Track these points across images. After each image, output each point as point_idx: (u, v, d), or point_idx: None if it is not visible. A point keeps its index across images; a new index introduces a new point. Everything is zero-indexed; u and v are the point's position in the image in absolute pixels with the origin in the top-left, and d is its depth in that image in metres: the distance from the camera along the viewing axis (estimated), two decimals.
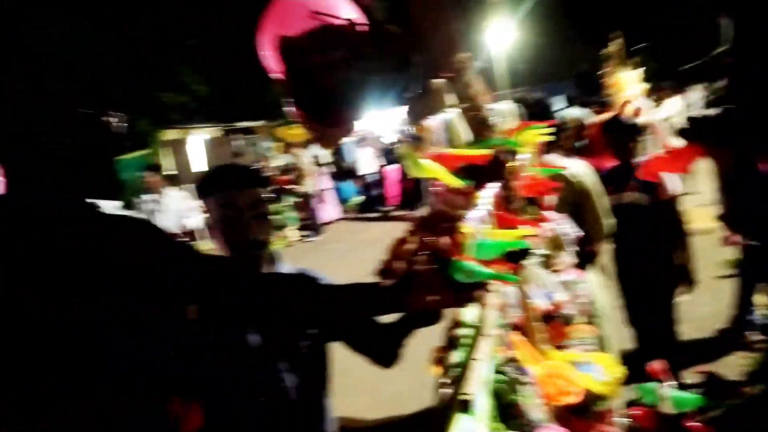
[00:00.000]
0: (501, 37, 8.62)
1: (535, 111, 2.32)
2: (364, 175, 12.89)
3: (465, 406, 1.08)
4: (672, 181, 3.15)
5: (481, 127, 1.64)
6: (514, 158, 1.67)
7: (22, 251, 0.96)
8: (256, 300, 1.17)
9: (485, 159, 1.59)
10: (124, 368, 1.07)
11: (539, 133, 1.73)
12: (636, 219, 3.16)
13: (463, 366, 1.23)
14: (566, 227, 2.12)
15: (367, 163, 12.84)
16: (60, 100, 1.03)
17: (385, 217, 12.38)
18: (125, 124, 1.11)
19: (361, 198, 13.27)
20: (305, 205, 11.75)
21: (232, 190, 1.66)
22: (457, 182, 1.42)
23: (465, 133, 1.61)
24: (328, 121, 1.49)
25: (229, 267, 1.47)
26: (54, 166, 1.04)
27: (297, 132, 15.43)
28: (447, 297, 1.12)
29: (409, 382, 4.16)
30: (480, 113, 1.63)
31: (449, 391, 1.18)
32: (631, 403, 1.21)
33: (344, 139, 12.93)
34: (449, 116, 1.53)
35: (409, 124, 1.65)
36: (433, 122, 1.44)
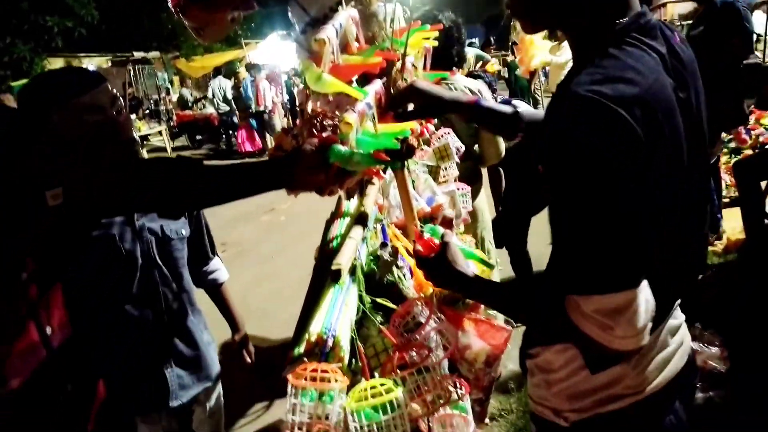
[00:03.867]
0: None
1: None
2: (263, 112, 12.24)
3: (336, 275, 1.12)
4: None
5: (370, 23, 1.64)
6: (402, 60, 1.68)
7: None
8: (147, 181, 1.14)
9: (380, 65, 1.59)
10: None
11: (426, 37, 1.75)
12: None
13: (338, 243, 1.27)
14: (452, 139, 2.18)
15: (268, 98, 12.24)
16: None
17: None
18: None
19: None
20: None
21: (93, 90, 1.47)
22: (358, 94, 1.42)
23: (356, 34, 1.59)
24: (205, 3, 1.41)
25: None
26: None
27: (197, 65, 14.66)
28: (327, 176, 1.16)
29: (300, 306, 4.24)
30: (369, 8, 1.62)
31: (323, 263, 1.22)
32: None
33: (247, 76, 12.42)
34: (341, 22, 1.50)
35: (297, 21, 1.61)
36: (329, 32, 1.41)
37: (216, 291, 2.06)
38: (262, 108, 12.03)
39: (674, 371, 1.06)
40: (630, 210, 0.83)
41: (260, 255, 5.92)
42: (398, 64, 1.67)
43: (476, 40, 17.37)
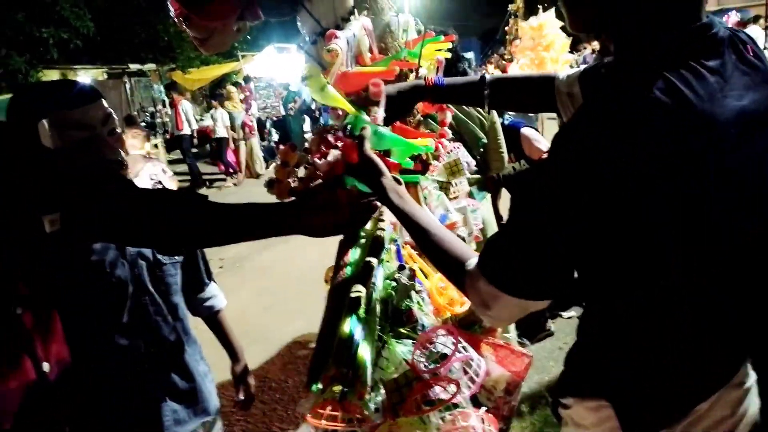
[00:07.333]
0: None
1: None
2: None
3: (356, 304, 1.04)
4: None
5: (383, 33, 1.57)
6: (415, 72, 1.62)
7: None
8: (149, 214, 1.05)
9: (391, 75, 1.53)
10: None
11: (438, 48, 1.68)
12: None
13: (355, 269, 1.19)
14: (463, 154, 2.11)
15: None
16: None
17: None
18: None
19: None
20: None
21: (86, 106, 1.40)
22: (354, 112, 1.35)
23: (369, 44, 1.53)
24: (209, 12, 1.34)
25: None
26: None
27: (193, 77, 14.62)
28: (342, 215, 1.07)
29: (303, 323, 4.13)
30: (383, 18, 1.55)
31: (340, 291, 1.14)
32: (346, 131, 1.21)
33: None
34: (354, 32, 1.44)
35: (307, 30, 1.54)
36: (341, 43, 1.34)
37: (213, 319, 1.95)
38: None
39: None
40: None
41: (259, 269, 5.82)
42: (411, 77, 1.60)
43: (471, 54, 17.43)
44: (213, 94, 12.63)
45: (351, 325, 1.04)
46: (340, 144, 1.31)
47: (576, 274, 0.83)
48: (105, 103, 1.48)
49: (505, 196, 3.81)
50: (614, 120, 0.72)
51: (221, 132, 11.22)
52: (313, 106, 11.78)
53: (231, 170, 11.42)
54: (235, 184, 11.03)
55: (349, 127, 1.24)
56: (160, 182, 1.71)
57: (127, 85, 14.72)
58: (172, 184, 1.77)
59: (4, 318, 1.00)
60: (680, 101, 0.73)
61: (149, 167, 1.73)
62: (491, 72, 8.03)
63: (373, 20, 1.51)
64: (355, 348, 0.97)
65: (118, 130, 1.52)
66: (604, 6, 0.82)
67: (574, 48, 10.75)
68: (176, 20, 1.49)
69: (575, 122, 0.78)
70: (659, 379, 0.88)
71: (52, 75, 13.33)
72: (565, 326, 3.65)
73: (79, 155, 1.40)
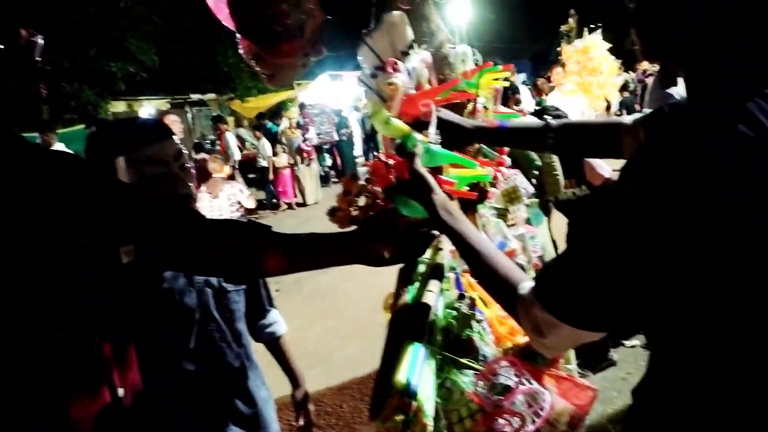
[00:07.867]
0: (459, 15, 8.47)
1: None
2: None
3: (419, 333, 1.05)
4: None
5: (441, 65, 1.59)
6: (474, 101, 1.63)
7: None
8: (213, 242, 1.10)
9: (449, 103, 1.55)
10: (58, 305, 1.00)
11: (496, 78, 1.69)
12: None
13: (415, 299, 1.20)
14: (521, 181, 2.11)
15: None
16: None
17: None
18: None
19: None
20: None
21: (160, 142, 1.50)
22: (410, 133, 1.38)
23: (428, 76, 1.55)
24: (279, 51, 1.40)
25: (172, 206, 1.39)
26: None
27: (251, 105, 15.11)
28: (400, 244, 1.09)
29: (359, 347, 4.14)
30: (440, 50, 1.58)
31: (399, 320, 1.15)
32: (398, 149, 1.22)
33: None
34: (414, 65, 1.48)
35: (367, 64, 1.58)
36: (402, 78, 1.38)
37: (275, 345, 1.99)
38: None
39: None
40: None
41: (315, 291, 5.89)
42: (470, 107, 1.61)
43: (524, 75, 17.40)
44: (258, 124, 12.91)
45: (413, 355, 1.04)
46: (391, 162, 1.34)
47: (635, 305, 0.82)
48: (176, 140, 1.57)
49: (558, 221, 3.75)
50: (685, 154, 0.71)
51: (262, 162, 11.52)
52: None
53: (275, 199, 11.66)
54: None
55: (400, 144, 1.26)
56: (238, 202, 1.78)
57: (189, 115, 15.37)
58: (250, 202, 1.85)
59: (86, 348, 1.05)
60: (761, 131, 0.71)
61: (228, 188, 1.82)
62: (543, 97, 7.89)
63: (431, 53, 1.54)
64: (415, 388, 0.97)
65: (188, 165, 1.60)
66: (681, 35, 0.82)
67: (629, 67, 10.43)
68: (245, 57, 1.57)
69: (637, 157, 0.78)
70: (721, 417, 0.84)
71: (119, 106, 14.07)
72: (629, 355, 3.53)
73: (153, 189, 1.48)
